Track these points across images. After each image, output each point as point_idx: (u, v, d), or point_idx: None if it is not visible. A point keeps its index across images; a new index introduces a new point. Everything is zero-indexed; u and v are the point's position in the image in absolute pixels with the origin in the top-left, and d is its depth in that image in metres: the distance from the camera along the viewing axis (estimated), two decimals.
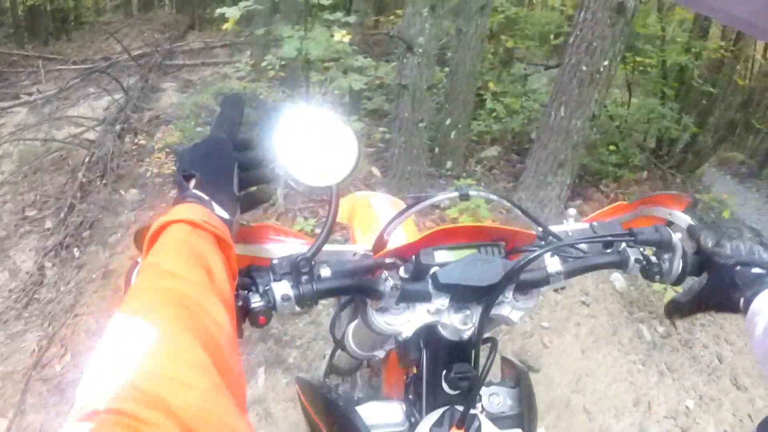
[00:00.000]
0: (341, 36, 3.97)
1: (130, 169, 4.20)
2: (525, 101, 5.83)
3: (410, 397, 1.04)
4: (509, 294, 0.95)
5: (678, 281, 0.97)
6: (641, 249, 0.98)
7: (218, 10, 3.82)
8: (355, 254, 0.97)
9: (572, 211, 1.07)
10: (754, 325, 0.81)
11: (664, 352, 3.67)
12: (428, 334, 0.96)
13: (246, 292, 0.78)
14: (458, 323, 0.93)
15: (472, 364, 0.97)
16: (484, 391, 1.06)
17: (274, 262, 0.81)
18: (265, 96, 5.91)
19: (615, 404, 3.16)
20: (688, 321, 4.05)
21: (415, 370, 1.03)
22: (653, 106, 6.20)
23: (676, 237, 0.95)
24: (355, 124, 4.92)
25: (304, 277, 0.80)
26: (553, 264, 0.94)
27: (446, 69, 5.62)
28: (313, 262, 0.82)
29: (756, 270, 0.89)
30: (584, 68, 3.43)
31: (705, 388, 3.50)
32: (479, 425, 0.93)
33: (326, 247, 0.92)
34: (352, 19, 4.67)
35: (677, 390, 3.41)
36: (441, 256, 0.95)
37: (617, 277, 4.03)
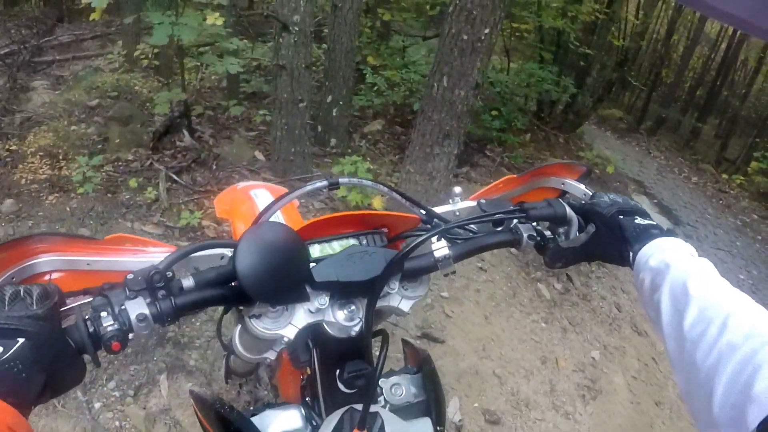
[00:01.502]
0: (214, 19, 3.84)
1: (3, 177, 3.90)
2: (405, 73, 5.84)
3: (308, 399, 0.98)
4: (395, 284, 0.91)
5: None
6: (534, 224, 0.94)
7: (84, 0, 3.53)
8: (222, 257, 0.91)
9: (457, 189, 1.01)
10: (642, 280, 0.81)
11: (564, 308, 3.81)
12: (316, 333, 0.90)
13: (98, 314, 0.68)
14: (344, 320, 0.87)
15: (366, 359, 0.92)
16: (384, 382, 1.01)
17: (129, 277, 0.72)
18: (141, 87, 5.64)
19: (523, 365, 3.24)
20: (584, 275, 4.23)
21: (309, 371, 0.97)
22: (533, 70, 6.38)
23: (571, 209, 0.93)
24: (234, 108, 4.77)
25: (161, 292, 0.73)
26: (440, 248, 0.89)
27: (324, 46, 5.54)
28: (169, 273, 0.75)
29: (639, 220, 0.88)
30: (465, 37, 3.41)
31: (608, 338, 3.66)
32: (382, 423, 0.87)
33: (194, 253, 0.86)
34: (224, 0, 4.51)
35: (581, 343, 3.55)
36: (317, 250, 0.91)
37: None
